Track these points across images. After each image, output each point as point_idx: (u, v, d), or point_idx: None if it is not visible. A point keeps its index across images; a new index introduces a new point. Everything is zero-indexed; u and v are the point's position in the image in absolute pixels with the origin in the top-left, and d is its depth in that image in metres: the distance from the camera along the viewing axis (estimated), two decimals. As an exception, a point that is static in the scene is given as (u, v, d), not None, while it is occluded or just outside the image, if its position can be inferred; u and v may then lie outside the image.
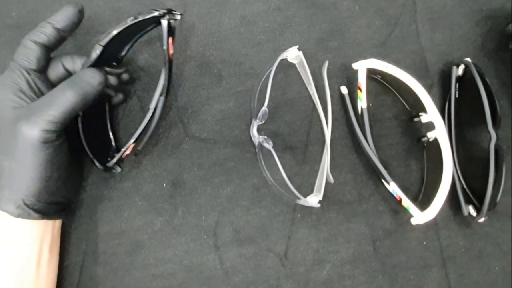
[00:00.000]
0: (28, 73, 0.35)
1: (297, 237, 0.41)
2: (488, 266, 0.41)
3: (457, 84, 0.42)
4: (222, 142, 0.42)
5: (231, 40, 0.44)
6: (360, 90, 0.40)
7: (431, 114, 0.40)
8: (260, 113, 0.40)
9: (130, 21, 0.35)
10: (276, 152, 0.38)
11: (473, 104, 0.39)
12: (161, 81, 0.37)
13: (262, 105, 0.40)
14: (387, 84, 0.44)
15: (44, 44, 0.35)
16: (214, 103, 0.43)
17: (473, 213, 0.39)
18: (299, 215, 0.41)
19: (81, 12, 0.36)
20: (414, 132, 0.43)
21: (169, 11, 0.35)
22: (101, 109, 0.41)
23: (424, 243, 0.41)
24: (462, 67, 0.42)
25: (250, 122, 0.42)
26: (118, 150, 0.40)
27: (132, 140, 0.37)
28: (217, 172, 0.42)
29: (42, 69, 0.36)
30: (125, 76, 0.41)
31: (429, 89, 0.43)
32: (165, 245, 0.41)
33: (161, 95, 0.37)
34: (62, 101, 0.33)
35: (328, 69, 0.42)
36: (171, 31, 0.36)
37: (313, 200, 0.39)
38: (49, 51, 0.36)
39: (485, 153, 0.38)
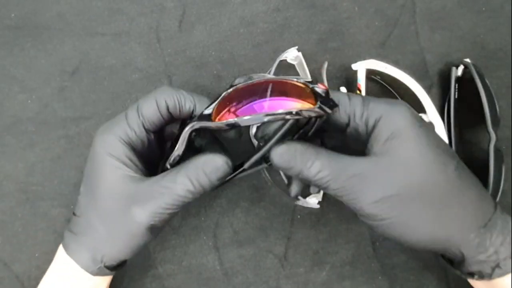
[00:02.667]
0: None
1: (297, 238, 0.41)
2: (487, 267, 0.41)
3: (457, 85, 0.42)
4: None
5: (230, 41, 0.44)
6: (360, 90, 0.40)
7: (431, 114, 0.40)
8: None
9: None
10: (275, 153, 0.38)
11: (473, 104, 0.39)
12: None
13: (262, 106, 0.40)
14: (386, 85, 0.44)
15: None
16: (213, 104, 0.43)
17: (473, 214, 0.39)
18: (299, 216, 0.41)
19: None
20: (414, 132, 0.43)
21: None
22: None
23: (424, 244, 0.41)
24: (461, 67, 0.42)
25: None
26: None
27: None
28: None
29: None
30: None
31: (428, 89, 0.43)
32: (164, 246, 0.41)
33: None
34: (175, 196, 0.29)
35: (327, 70, 0.42)
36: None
37: (313, 201, 0.39)
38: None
39: (485, 154, 0.38)
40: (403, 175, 0.28)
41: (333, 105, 0.28)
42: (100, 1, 0.44)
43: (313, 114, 0.27)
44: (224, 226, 0.41)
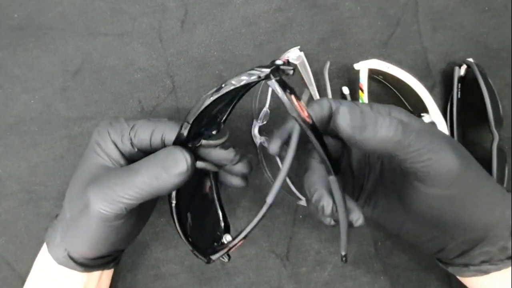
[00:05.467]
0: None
1: (299, 238, 0.41)
2: (490, 267, 0.41)
3: (459, 85, 0.42)
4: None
5: (232, 41, 0.44)
6: (362, 90, 0.40)
7: (433, 114, 0.40)
8: (261, 114, 0.40)
9: (220, 92, 0.28)
10: (277, 153, 0.38)
11: (476, 104, 0.39)
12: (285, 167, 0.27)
13: (264, 106, 0.40)
14: (388, 85, 0.44)
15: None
16: (215, 104, 0.43)
17: (475, 214, 0.39)
18: (301, 216, 0.41)
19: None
20: (416, 132, 0.43)
21: (276, 68, 0.26)
22: (206, 181, 0.35)
23: (426, 244, 0.41)
24: (464, 67, 0.42)
25: (252, 123, 0.42)
26: (226, 227, 0.34)
27: (241, 236, 0.30)
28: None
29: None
30: (230, 156, 0.31)
31: (431, 89, 0.43)
32: (166, 246, 0.41)
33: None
34: (131, 185, 0.28)
35: (329, 69, 0.42)
36: (286, 86, 0.26)
37: (315, 201, 0.39)
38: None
39: (488, 154, 0.38)
40: None
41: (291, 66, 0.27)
42: (103, 1, 0.44)
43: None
44: (226, 226, 0.41)
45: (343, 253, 0.29)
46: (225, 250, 0.31)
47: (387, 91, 0.44)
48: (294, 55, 0.42)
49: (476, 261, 0.30)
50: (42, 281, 0.34)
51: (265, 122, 0.41)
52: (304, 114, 0.26)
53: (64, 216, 0.32)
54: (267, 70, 0.26)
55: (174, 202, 0.32)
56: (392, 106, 0.30)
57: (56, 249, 0.32)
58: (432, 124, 0.39)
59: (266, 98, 0.39)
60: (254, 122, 0.41)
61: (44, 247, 0.33)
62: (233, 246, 0.30)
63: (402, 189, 0.29)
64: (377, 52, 0.44)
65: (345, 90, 0.42)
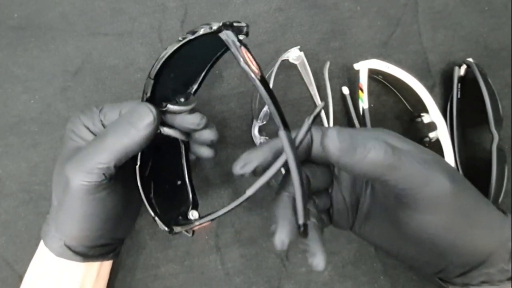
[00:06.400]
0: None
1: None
2: (490, 267, 0.41)
3: (459, 85, 0.42)
4: (224, 143, 0.42)
5: (232, 41, 0.44)
6: (362, 90, 0.40)
7: (433, 114, 0.40)
8: (261, 114, 0.40)
9: (176, 44, 0.28)
10: (277, 153, 0.38)
11: (475, 104, 0.39)
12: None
13: (264, 106, 0.40)
14: (388, 85, 0.44)
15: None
16: (215, 104, 0.43)
17: (475, 214, 0.39)
18: (301, 216, 0.41)
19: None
20: (416, 132, 0.43)
21: (230, 24, 0.27)
22: (177, 153, 0.35)
23: (426, 244, 0.41)
24: (464, 67, 0.42)
25: (252, 123, 0.42)
26: (195, 203, 0.34)
27: (209, 218, 0.30)
28: (218, 173, 0.42)
29: None
30: (195, 120, 0.32)
31: (431, 89, 0.43)
32: (166, 246, 0.41)
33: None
34: (103, 149, 0.29)
35: (329, 69, 0.42)
36: (239, 41, 0.26)
37: (315, 201, 0.39)
38: None
39: (487, 154, 0.38)
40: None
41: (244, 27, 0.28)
42: (103, 1, 0.44)
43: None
44: (226, 226, 0.41)
45: (300, 222, 0.27)
46: (189, 226, 0.30)
47: (387, 91, 0.44)
48: (294, 55, 0.42)
49: (475, 282, 0.30)
50: (40, 277, 0.34)
51: (265, 122, 0.41)
52: (254, 66, 0.26)
53: (53, 207, 0.32)
54: (220, 23, 0.26)
55: (138, 163, 0.31)
56: (382, 130, 0.29)
57: (52, 241, 0.32)
58: (435, 147, 0.39)
59: (266, 98, 0.39)
60: (254, 122, 0.41)
61: (41, 244, 0.33)
62: (198, 224, 0.30)
63: (396, 215, 0.29)
64: (377, 52, 0.44)
65: (345, 90, 0.42)
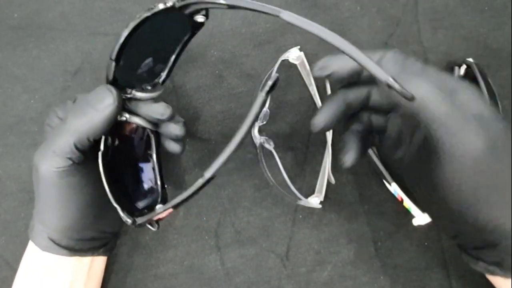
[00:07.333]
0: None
1: (298, 238, 0.41)
2: (490, 267, 0.41)
3: (459, 85, 0.41)
4: (223, 143, 0.42)
5: (232, 41, 0.44)
6: (362, 90, 0.40)
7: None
8: (261, 114, 0.40)
9: (135, 22, 0.27)
10: (277, 153, 0.38)
11: (475, 104, 0.39)
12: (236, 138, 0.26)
13: (264, 106, 0.40)
14: (388, 85, 0.43)
15: None
16: (215, 104, 0.43)
17: (475, 214, 0.39)
18: (300, 216, 0.41)
19: None
20: (416, 132, 0.43)
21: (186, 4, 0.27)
22: (147, 145, 0.35)
23: (426, 244, 0.41)
24: (464, 67, 0.42)
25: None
26: (164, 197, 0.34)
27: (169, 205, 0.29)
28: (218, 173, 0.42)
29: None
30: (159, 109, 0.31)
31: (431, 89, 0.43)
32: (166, 246, 0.41)
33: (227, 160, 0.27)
34: (63, 131, 0.29)
35: (329, 69, 0.42)
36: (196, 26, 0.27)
37: (314, 201, 0.39)
38: None
39: (487, 154, 0.38)
40: None
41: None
42: (103, 1, 0.44)
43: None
44: (226, 226, 0.41)
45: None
46: (151, 215, 0.30)
47: (387, 91, 0.44)
48: (294, 55, 0.42)
49: (487, 260, 0.28)
50: (29, 273, 0.33)
51: (265, 122, 0.41)
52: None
53: (35, 201, 0.32)
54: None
55: (101, 149, 0.31)
56: (457, 79, 0.28)
57: (37, 235, 0.32)
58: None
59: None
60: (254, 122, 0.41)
61: (30, 241, 0.33)
62: (160, 213, 0.29)
63: (431, 161, 0.27)
64: (377, 52, 0.44)
65: (345, 90, 0.42)
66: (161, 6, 0.26)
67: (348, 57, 0.26)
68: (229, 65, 0.43)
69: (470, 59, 0.42)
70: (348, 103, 0.30)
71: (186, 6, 0.27)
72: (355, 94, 0.30)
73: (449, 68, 0.43)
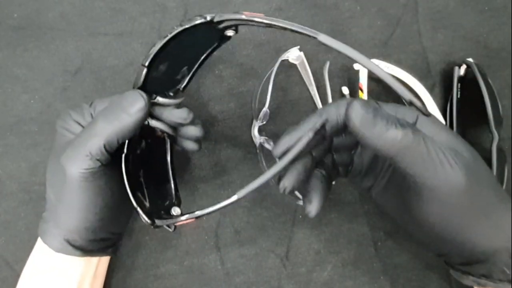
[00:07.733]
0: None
1: (298, 238, 0.41)
2: (490, 267, 0.41)
3: (459, 85, 0.42)
4: (223, 143, 0.42)
5: (232, 41, 0.43)
6: (362, 90, 0.40)
7: (433, 114, 0.40)
8: (261, 114, 0.40)
9: (170, 34, 0.28)
10: (277, 153, 0.38)
11: (475, 104, 0.39)
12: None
13: (263, 105, 0.40)
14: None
15: None
16: (215, 104, 0.43)
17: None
18: (300, 216, 0.41)
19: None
20: (416, 132, 0.43)
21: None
22: (162, 149, 0.36)
23: (426, 244, 0.41)
24: (464, 67, 0.42)
25: (251, 123, 0.42)
26: (178, 200, 0.35)
27: (191, 216, 0.30)
28: (218, 173, 0.42)
29: None
30: (183, 114, 0.32)
31: (431, 89, 0.43)
32: (166, 245, 0.41)
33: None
34: (94, 134, 0.29)
35: (329, 69, 0.42)
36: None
37: (314, 201, 0.39)
38: None
39: (487, 154, 0.38)
40: None
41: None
42: (103, 1, 0.44)
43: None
44: (226, 226, 0.41)
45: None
46: (172, 221, 0.31)
47: (387, 91, 0.44)
48: (294, 55, 0.42)
49: (476, 273, 0.29)
50: (37, 274, 0.33)
51: (265, 122, 0.41)
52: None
53: (50, 204, 0.32)
54: (213, 14, 0.28)
55: (125, 151, 0.32)
56: (408, 108, 0.29)
57: (52, 238, 0.32)
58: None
59: (266, 98, 0.39)
60: (254, 122, 0.41)
61: (38, 241, 0.33)
62: (181, 221, 0.30)
63: (406, 193, 0.29)
64: (377, 52, 0.44)
65: (345, 90, 0.42)
66: (200, 19, 0.27)
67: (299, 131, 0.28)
68: (229, 65, 0.43)
69: (470, 59, 0.42)
70: (313, 157, 0.31)
71: (223, 21, 0.28)
72: (319, 149, 0.31)
73: (449, 68, 0.43)
